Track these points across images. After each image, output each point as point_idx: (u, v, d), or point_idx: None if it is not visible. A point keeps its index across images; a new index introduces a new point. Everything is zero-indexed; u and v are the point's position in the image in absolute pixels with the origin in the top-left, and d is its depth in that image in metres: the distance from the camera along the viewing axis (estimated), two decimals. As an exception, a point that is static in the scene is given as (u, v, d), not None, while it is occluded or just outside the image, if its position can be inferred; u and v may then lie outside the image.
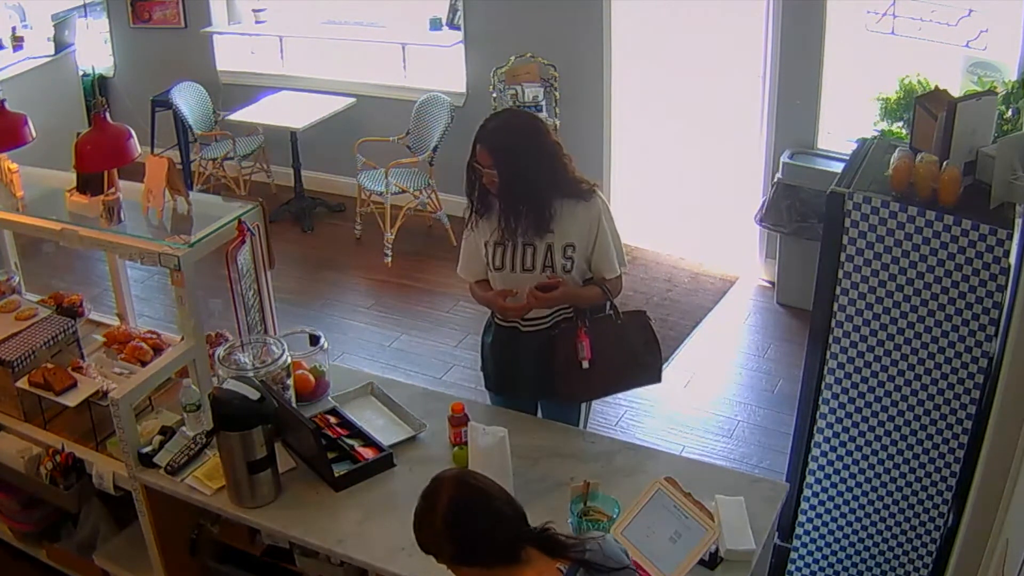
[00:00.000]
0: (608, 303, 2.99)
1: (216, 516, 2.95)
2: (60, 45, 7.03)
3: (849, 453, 3.04)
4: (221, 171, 6.72)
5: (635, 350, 3.02)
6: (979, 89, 4.17)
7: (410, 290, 5.73)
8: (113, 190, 3.29)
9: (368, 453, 2.85)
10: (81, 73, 7.20)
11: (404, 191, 5.97)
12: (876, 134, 4.43)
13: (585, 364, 2.93)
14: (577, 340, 2.93)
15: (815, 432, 3.07)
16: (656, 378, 3.12)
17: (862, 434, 2.99)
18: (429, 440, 2.95)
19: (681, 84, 5.76)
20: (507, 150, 2.79)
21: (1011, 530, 2.14)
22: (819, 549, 3.26)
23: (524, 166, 2.79)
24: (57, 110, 6.65)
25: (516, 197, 2.82)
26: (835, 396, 2.98)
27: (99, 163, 3.18)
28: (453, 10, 6.17)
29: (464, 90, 6.21)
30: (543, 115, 5.71)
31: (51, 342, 3.38)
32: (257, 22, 6.89)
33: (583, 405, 3.23)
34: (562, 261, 2.88)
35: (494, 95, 5.76)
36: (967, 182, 2.67)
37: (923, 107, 2.81)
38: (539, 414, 3.21)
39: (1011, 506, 2.22)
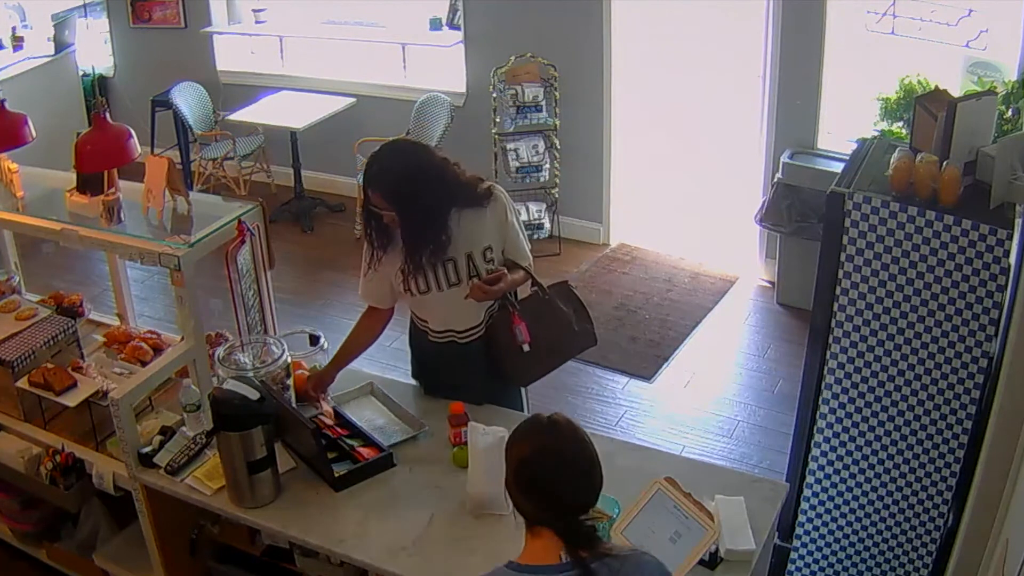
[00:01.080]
0: (530, 282, 3.02)
1: (216, 516, 2.95)
2: (60, 45, 7.03)
3: (849, 453, 3.04)
4: (221, 171, 6.72)
5: (567, 319, 3.06)
6: (979, 89, 4.17)
7: (410, 290, 5.72)
8: (113, 190, 3.29)
9: (368, 453, 2.85)
10: (81, 73, 7.20)
11: (404, 191, 5.96)
12: (876, 134, 4.43)
13: (526, 347, 2.96)
14: (512, 326, 2.96)
15: (815, 432, 3.07)
16: (592, 341, 3.14)
17: (862, 434, 2.99)
18: (429, 440, 2.95)
19: (681, 84, 5.76)
20: (398, 187, 2.75)
21: (1011, 530, 2.14)
22: (819, 549, 3.26)
23: (419, 197, 2.76)
24: (57, 110, 6.66)
25: (418, 227, 2.80)
26: (835, 396, 2.98)
27: (99, 163, 3.18)
28: (453, 10, 6.17)
29: (464, 90, 6.21)
30: (543, 115, 5.73)
31: (51, 342, 3.38)
32: (257, 22, 6.89)
33: (523, 390, 3.24)
34: (485, 266, 2.90)
35: (494, 95, 5.76)
36: (967, 182, 2.67)
37: (923, 107, 2.81)
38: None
39: (1011, 506, 2.22)
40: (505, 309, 3.00)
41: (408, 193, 2.75)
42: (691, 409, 4.56)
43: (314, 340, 3.21)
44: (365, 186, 2.82)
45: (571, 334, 3.08)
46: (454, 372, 3.09)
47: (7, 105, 3.39)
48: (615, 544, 1.89)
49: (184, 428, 3.01)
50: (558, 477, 1.85)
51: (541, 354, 3.01)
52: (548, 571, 1.84)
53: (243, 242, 3.11)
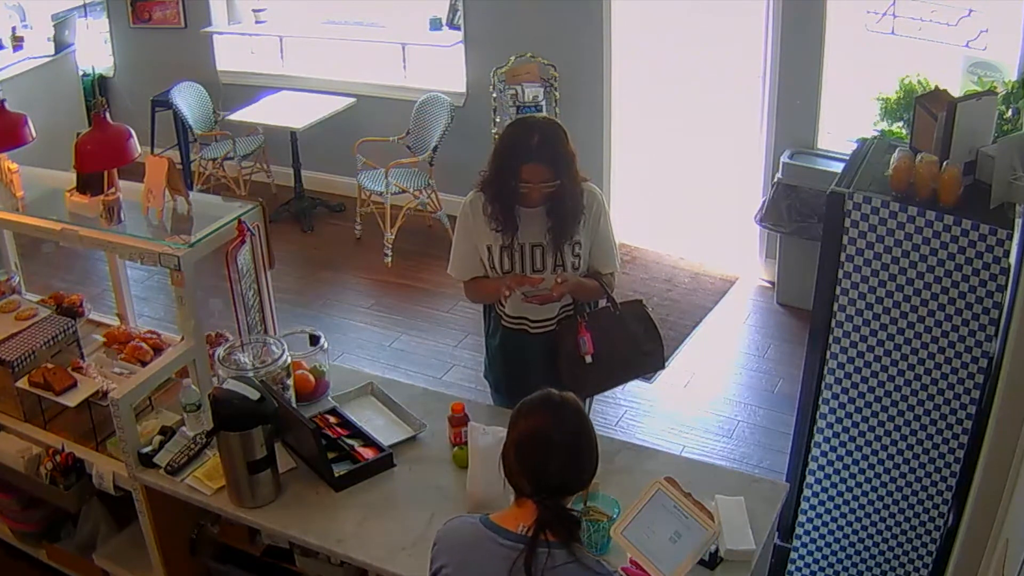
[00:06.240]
0: (605, 296, 3.01)
1: (216, 516, 2.95)
2: (60, 45, 7.03)
3: (849, 453, 3.04)
4: (221, 171, 6.72)
5: (636, 339, 3.05)
6: (979, 89, 4.17)
7: (410, 290, 5.73)
8: (113, 190, 3.29)
9: (368, 453, 2.85)
10: (81, 73, 7.20)
11: (404, 191, 5.97)
12: (876, 134, 4.43)
13: (588, 359, 2.95)
14: (578, 336, 2.95)
15: (815, 432, 3.07)
16: (660, 364, 3.16)
17: (862, 434, 2.99)
18: (429, 440, 2.95)
19: (681, 84, 5.76)
20: (561, 158, 2.80)
21: (1011, 530, 2.14)
22: (819, 549, 3.26)
23: (573, 168, 2.83)
24: (57, 110, 6.66)
25: (568, 201, 2.84)
26: (835, 396, 2.98)
27: (99, 163, 3.18)
28: (453, 10, 6.17)
29: (464, 90, 6.21)
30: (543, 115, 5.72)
31: (51, 342, 3.37)
32: (257, 22, 6.89)
33: (587, 402, 3.24)
34: (571, 259, 2.90)
35: (494, 95, 5.76)
36: (967, 182, 2.67)
37: (923, 107, 2.81)
38: None
39: (1011, 506, 2.22)
40: (574, 316, 3.00)
41: (566, 160, 2.81)
42: (691, 409, 4.56)
43: (314, 340, 3.21)
44: (521, 161, 2.77)
45: (637, 355, 3.07)
46: (521, 363, 3.08)
47: (7, 105, 3.39)
48: (583, 551, 1.92)
49: (184, 428, 3.01)
50: (549, 457, 1.94)
51: (603, 368, 3.00)
52: (501, 533, 1.95)
53: (243, 242, 3.11)
